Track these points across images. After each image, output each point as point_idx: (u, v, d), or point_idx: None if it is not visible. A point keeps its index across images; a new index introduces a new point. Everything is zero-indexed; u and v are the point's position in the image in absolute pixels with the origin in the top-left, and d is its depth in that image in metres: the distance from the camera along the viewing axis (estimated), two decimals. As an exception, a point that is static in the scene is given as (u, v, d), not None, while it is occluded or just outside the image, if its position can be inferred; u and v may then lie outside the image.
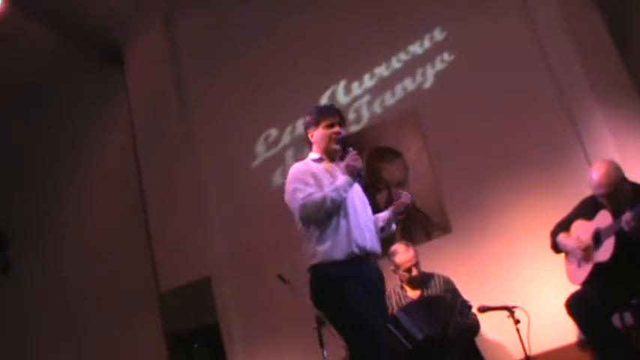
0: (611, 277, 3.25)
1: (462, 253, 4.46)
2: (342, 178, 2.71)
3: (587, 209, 3.49)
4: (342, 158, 2.84)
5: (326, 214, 2.65)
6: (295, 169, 2.83)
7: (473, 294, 3.90)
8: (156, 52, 6.02)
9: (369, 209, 2.91)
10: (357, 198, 2.81)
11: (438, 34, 5.01)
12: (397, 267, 3.95)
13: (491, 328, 4.01)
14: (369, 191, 4.80)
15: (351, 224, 2.68)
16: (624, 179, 3.32)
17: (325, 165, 2.86)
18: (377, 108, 5.14)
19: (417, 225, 4.62)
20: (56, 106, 6.48)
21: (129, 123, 6.06)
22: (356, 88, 5.24)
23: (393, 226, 3.04)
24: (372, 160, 4.95)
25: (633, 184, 3.36)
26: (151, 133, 5.84)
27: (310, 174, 2.76)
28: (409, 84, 5.05)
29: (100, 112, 6.37)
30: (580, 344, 3.92)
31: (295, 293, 3.89)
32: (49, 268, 6.06)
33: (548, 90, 4.52)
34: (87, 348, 5.58)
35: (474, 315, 3.79)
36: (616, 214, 3.23)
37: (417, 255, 3.95)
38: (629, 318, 3.49)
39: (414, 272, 3.90)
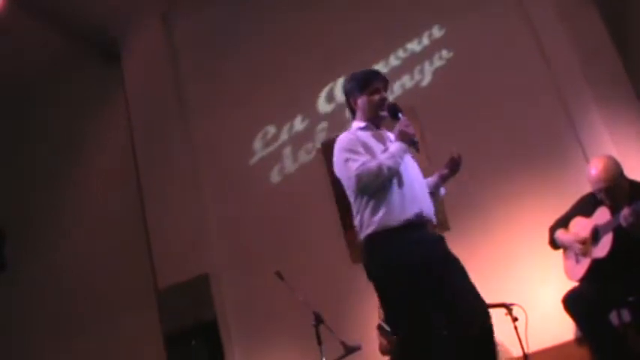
0: (608, 273, 3.25)
1: (460, 250, 4.33)
2: (395, 145, 2.61)
3: (586, 206, 3.48)
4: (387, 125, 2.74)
5: (383, 183, 2.56)
6: (343, 139, 2.69)
7: (470, 291, 3.90)
8: (154, 51, 6.02)
9: (421, 174, 2.79)
10: (410, 165, 2.71)
11: (437, 32, 5.01)
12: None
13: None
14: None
15: (405, 192, 2.59)
16: (622, 175, 3.33)
17: (373, 133, 2.74)
18: (375, 105, 5.14)
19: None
20: (54, 105, 6.49)
21: (127, 121, 6.06)
22: (354, 86, 5.23)
23: (442, 191, 2.93)
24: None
25: (631, 182, 3.36)
26: (149, 131, 5.84)
27: (360, 143, 2.64)
28: (407, 81, 5.05)
29: (99, 111, 6.38)
30: (578, 341, 3.92)
31: (292, 290, 3.90)
32: (46, 266, 6.06)
33: (546, 88, 4.52)
34: (85, 345, 5.58)
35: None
36: (614, 211, 3.23)
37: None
38: (626, 315, 3.49)
39: (412, 270, 3.89)
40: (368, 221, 2.58)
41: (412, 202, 2.58)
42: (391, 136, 2.73)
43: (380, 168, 2.53)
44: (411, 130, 2.62)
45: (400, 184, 2.60)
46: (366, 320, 4.30)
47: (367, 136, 2.70)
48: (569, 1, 4.58)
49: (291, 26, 5.52)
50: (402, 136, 2.62)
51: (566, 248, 3.54)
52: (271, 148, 5.44)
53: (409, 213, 2.55)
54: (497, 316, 3.54)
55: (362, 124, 2.78)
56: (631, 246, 3.14)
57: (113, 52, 6.24)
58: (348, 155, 2.62)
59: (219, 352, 4.94)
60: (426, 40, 5.04)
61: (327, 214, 4.99)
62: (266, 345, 4.95)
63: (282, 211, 5.18)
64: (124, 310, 5.51)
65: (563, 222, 3.57)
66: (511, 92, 4.60)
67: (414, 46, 5.08)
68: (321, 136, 5.27)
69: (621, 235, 3.16)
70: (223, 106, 5.70)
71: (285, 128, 5.42)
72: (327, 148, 5.13)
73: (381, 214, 2.55)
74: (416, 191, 2.63)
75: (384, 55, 5.15)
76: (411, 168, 2.71)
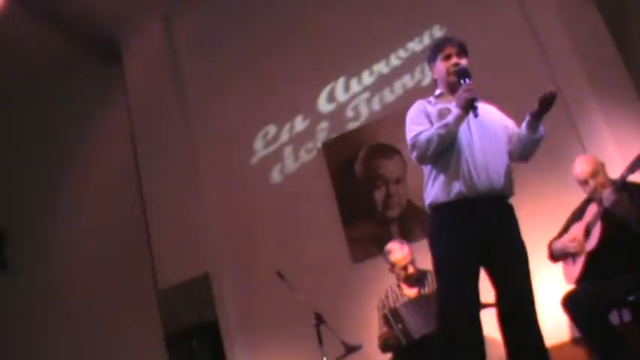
0: (605, 267, 3.24)
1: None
2: (453, 112, 2.51)
3: (579, 213, 3.52)
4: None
5: (436, 152, 2.49)
6: (410, 109, 2.73)
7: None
8: (155, 52, 6.01)
9: (500, 143, 2.64)
10: (477, 133, 2.58)
11: (437, 31, 5.01)
12: (393, 265, 3.95)
13: (487, 326, 4.00)
14: (367, 188, 4.90)
15: (461, 162, 2.50)
16: (604, 168, 3.39)
17: (441, 105, 2.66)
18: (376, 105, 5.14)
19: (414, 221, 4.63)
20: (55, 105, 6.48)
21: (128, 121, 6.06)
22: (355, 85, 5.24)
23: (541, 130, 2.67)
24: (371, 156, 4.98)
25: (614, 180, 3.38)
26: (150, 132, 5.84)
27: (423, 113, 2.65)
28: (408, 81, 5.05)
29: (99, 111, 6.38)
30: (573, 342, 3.92)
31: (293, 290, 3.90)
32: (46, 266, 6.06)
33: (547, 88, 4.46)
34: (85, 345, 5.58)
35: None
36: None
37: (412, 252, 3.95)
38: (626, 315, 3.49)
39: (410, 270, 3.89)
40: (428, 191, 2.60)
41: (468, 175, 2.50)
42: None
43: (430, 137, 2.50)
44: (469, 94, 2.47)
45: (459, 153, 2.52)
46: (367, 319, 4.31)
47: (434, 108, 2.68)
48: (570, 1, 4.58)
49: (291, 26, 5.53)
50: (460, 101, 2.49)
51: (564, 255, 3.53)
52: (272, 148, 5.44)
53: (463, 186, 2.49)
54: (495, 316, 3.57)
55: (438, 91, 2.77)
56: (621, 230, 3.14)
57: (114, 53, 6.24)
58: (409, 125, 2.65)
59: (220, 352, 4.93)
60: (426, 40, 5.03)
61: (328, 213, 5.00)
62: (267, 344, 4.96)
63: (283, 211, 5.18)
64: (125, 310, 5.51)
65: (561, 235, 3.58)
66: (511, 92, 4.58)
67: (414, 45, 5.08)
68: (321, 136, 5.27)
69: (609, 220, 3.18)
70: (224, 105, 5.70)
71: (286, 128, 5.42)
72: (328, 147, 5.16)
73: (436, 185, 2.54)
74: (477, 162, 2.53)
75: (385, 55, 5.16)
76: (479, 136, 2.59)
